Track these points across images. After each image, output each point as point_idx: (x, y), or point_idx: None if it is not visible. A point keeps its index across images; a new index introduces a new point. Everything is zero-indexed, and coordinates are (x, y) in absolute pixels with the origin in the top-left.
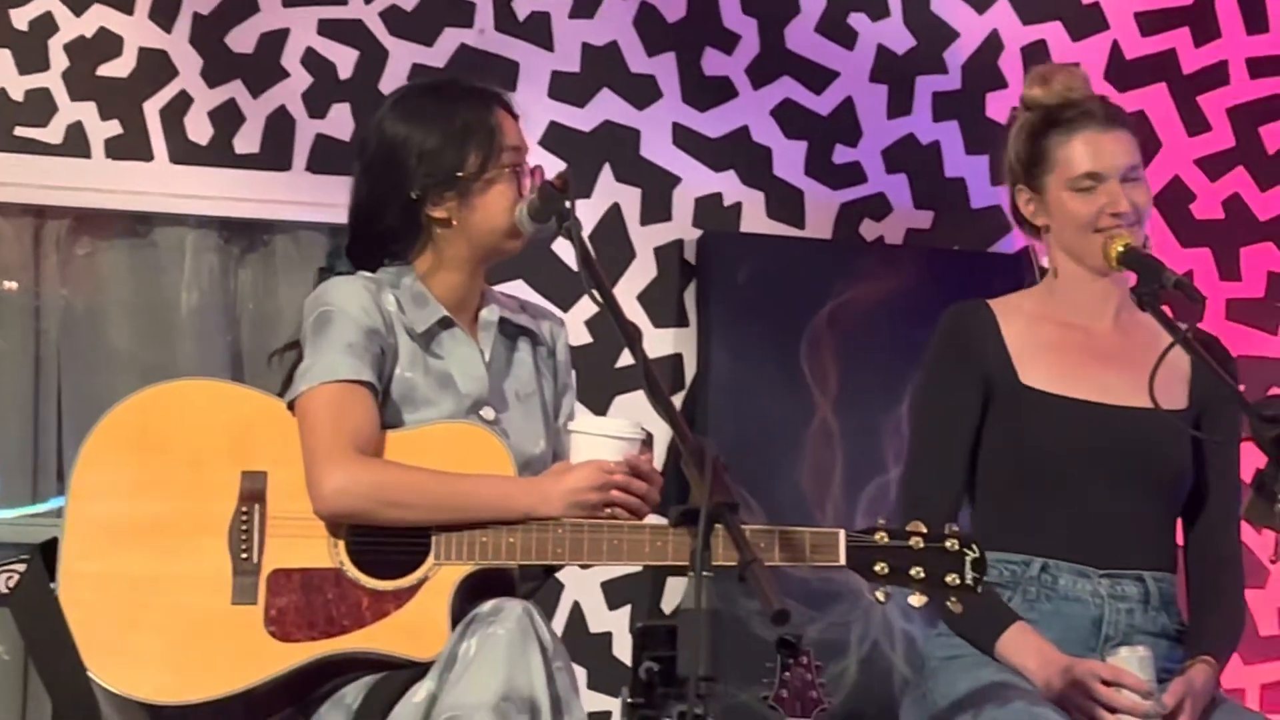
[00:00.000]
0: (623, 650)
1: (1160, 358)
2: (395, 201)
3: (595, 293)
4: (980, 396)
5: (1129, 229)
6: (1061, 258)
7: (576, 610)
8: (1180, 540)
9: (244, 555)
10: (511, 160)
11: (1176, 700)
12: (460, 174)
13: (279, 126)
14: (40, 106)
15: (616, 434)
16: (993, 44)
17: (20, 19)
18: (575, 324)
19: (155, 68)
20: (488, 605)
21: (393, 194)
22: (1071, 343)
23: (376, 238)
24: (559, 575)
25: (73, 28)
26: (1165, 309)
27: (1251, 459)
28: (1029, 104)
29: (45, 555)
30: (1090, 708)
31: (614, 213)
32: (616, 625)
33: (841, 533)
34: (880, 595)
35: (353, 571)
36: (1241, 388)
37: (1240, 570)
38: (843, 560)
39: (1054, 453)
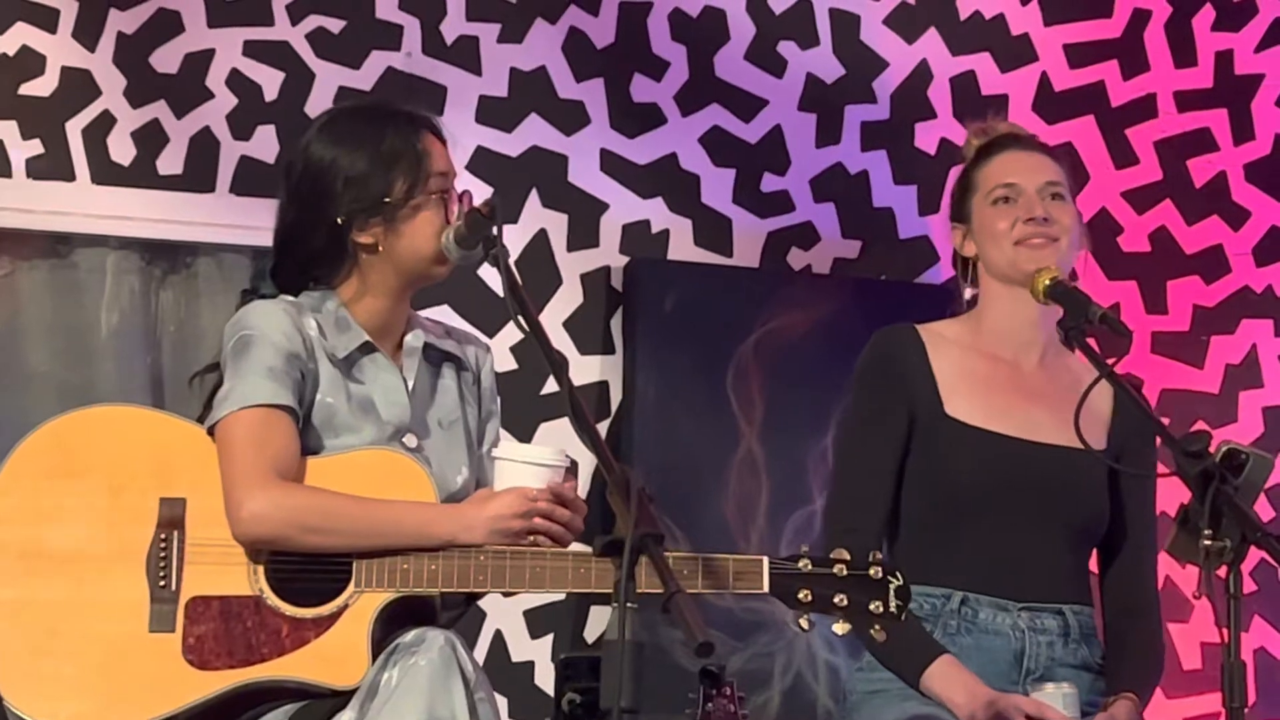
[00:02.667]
0: (545, 680)
1: (1085, 394)
2: (321, 226)
3: (521, 319)
4: (906, 425)
5: (1049, 244)
6: (990, 284)
7: (498, 639)
8: (1097, 577)
9: (162, 583)
10: (439, 186)
11: None
12: (387, 200)
13: (203, 148)
14: None
15: (540, 461)
16: (922, 74)
17: None
18: (501, 350)
19: (78, 87)
20: (410, 635)
21: (318, 219)
22: (999, 377)
23: (301, 262)
24: (481, 603)
25: None
26: (1091, 343)
27: (1176, 494)
28: (968, 155)
29: None
30: None
31: (541, 239)
32: (538, 654)
33: (765, 560)
34: (804, 623)
35: (272, 599)
36: (1166, 420)
37: (1158, 609)
38: (766, 587)
39: (974, 486)
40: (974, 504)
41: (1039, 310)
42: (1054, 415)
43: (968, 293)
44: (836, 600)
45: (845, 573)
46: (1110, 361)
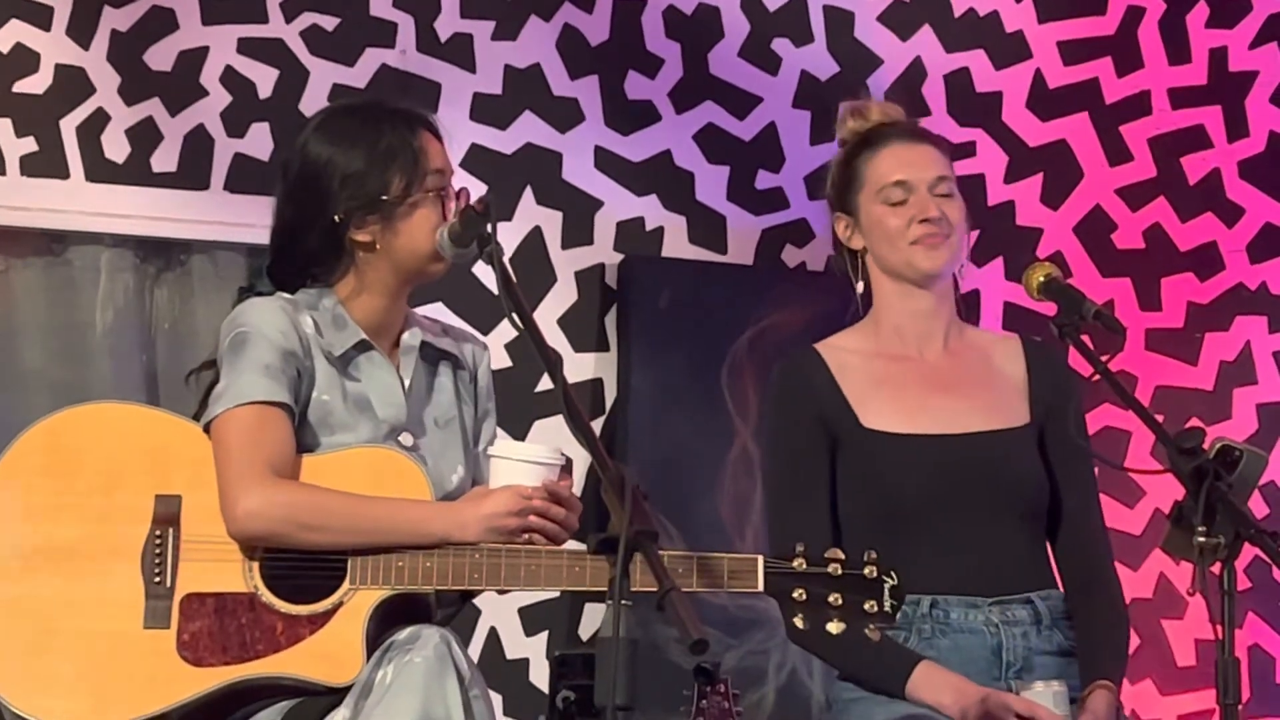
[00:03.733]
0: (539, 677)
1: (1073, 400)
2: (318, 224)
3: (515, 317)
4: (827, 445)
5: (944, 241)
6: (883, 281)
7: (493, 636)
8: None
9: (157, 579)
10: (436, 184)
11: None
12: (384, 197)
13: (197, 145)
14: None
15: (535, 459)
16: (916, 71)
17: None
18: (495, 348)
19: (72, 85)
20: (405, 632)
21: (315, 217)
22: (907, 376)
23: (298, 260)
24: (476, 600)
25: None
26: (1085, 340)
27: (1170, 491)
28: (846, 138)
29: None
30: None
31: (535, 236)
32: (533, 651)
33: (760, 559)
34: (799, 622)
35: (267, 596)
36: (1160, 418)
37: (1113, 582)
38: (761, 586)
39: (912, 492)
40: (917, 510)
41: (933, 299)
42: (970, 400)
43: (859, 286)
44: (831, 599)
45: (840, 572)
46: (1105, 358)
